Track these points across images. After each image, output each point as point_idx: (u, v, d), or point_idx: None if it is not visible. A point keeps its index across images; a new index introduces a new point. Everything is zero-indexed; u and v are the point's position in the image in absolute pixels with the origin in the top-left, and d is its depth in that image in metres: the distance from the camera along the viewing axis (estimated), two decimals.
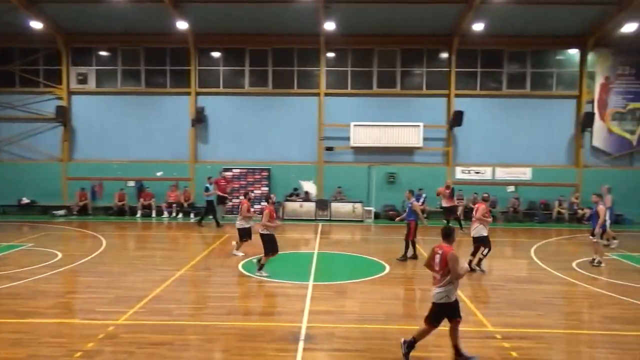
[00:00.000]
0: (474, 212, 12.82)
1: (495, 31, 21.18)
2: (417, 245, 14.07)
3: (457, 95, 22.48)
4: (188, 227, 20.13)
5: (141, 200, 22.31)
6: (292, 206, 21.82)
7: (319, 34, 21.66)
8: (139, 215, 22.06)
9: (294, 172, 22.75)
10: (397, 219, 15.21)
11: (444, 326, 7.35)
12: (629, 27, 19.82)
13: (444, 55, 22.66)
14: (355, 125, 22.25)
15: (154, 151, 22.94)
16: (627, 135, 22.47)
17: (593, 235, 13.60)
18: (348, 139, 22.37)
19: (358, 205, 21.77)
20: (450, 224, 19.38)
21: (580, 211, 21.09)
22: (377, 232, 19.85)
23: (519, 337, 8.30)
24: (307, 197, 22.05)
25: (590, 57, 22.33)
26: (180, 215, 22.06)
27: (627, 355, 7.68)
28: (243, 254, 13.96)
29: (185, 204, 22.25)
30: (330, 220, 21.41)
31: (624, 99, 22.40)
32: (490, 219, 12.75)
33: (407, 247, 13.79)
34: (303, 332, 8.29)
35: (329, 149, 22.52)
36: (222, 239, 16.98)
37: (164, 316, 8.98)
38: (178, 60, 23.02)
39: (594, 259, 13.65)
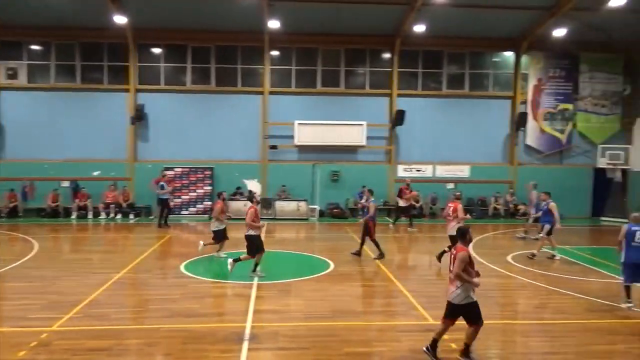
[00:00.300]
0: (448, 212, 13.13)
1: (436, 33, 21.76)
2: (364, 246, 14.18)
3: (399, 95, 22.94)
4: (127, 228, 19.50)
5: (76, 201, 21.40)
6: (236, 205, 21.53)
7: (263, 31, 21.51)
8: (74, 216, 21.14)
9: (238, 170, 22.50)
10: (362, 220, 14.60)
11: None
12: (558, 32, 20.89)
13: (387, 55, 23.06)
14: (299, 123, 22.27)
15: (90, 150, 22.04)
16: (558, 135, 23.67)
17: (548, 233, 14.26)
18: (292, 137, 22.36)
19: (302, 204, 21.82)
20: (395, 222, 19.87)
21: (521, 207, 21.82)
22: (322, 230, 19.96)
23: (458, 329, 8.55)
24: (251, 196, 21.83)
25: (524, 59, 23.35)
26: (118, 216, 21.32)
27: (556, 342, 8.10)
28: (225, 255, 13.53)
29: (124, 205, 21.54)
30: (274, 219, 21.33)
31: (554, 100, 23.57)
32: (468, 216, 13.37)
33: (377, 245, 13.86)
34: (247, 332, 8.23)
35: (273, 147, 22.44)
36: (164, 240, 16.57)
37: (101, 321, 8.66)
38: (116, 56, 22.22)
39: (553, 255, 14.25)
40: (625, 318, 9.38)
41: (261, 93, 22.59)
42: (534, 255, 14.15)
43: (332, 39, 22.48)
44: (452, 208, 13.08)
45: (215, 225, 13.65)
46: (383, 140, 23.20)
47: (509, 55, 23.42)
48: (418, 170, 23.11)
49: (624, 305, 9.83)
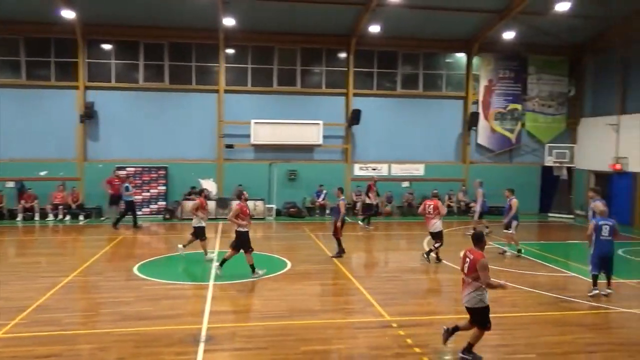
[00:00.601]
0: (427, 209, 13.50)
1: (391, 33, 22.06)
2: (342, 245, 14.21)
3: (355, 95, 23.13)
4: (77, 230, 18.85)
5: (22, 202, 20.51)
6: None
7: (218, 29, 21.24)
8: (20, 218, 20.24)
9: (193, 170, 22.13)
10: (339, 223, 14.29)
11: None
12: (508, 35, 21.57)
13: (343, 55, 23.20)
14: (255, 122, 22.11)
15: (36, 149, 21.13)
16: (507, 134, 24.45)
17: (507, 228, 14.78)
18: (248, 136, 22.18)
19: (259, 203, 21.69)
20: (364, 221, 19.91)
21: (472, 204, 22.34)
22: (279, 229, 19.89)
23: (414, 324, 8.73)
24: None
25: (475, 60, 23.98)
26: (67, 217, 20.57)
27: (507, 335, 8.37)
28: (213, 252, 13.67)
29: (74, 206, 20.80)
30: None
31: (504, 100, 24.33)
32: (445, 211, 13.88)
33: (339, 244, 14.00)
34: (204, 333, 8.11)
35: (229, 146, 22.19)
36: (116, 242, 16.10)
37: (50, 326, 8.34)
38: (64, 51, 21.39)
39: (504, 251, 14.70)
40: (571, 310, 9.79)
41: (216, 91, 22.30)
42: (520, 251, 14.56)
43: (289, 38, 22.44)
44: (432, 205, 13.52)
45: (196, 222, 13.46)
46: (339, 139, 23.34)
47: (461, 56, 24.00)
48: (374, 169, 23.36)
49: (590, 294, 10.54)
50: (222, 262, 11.74)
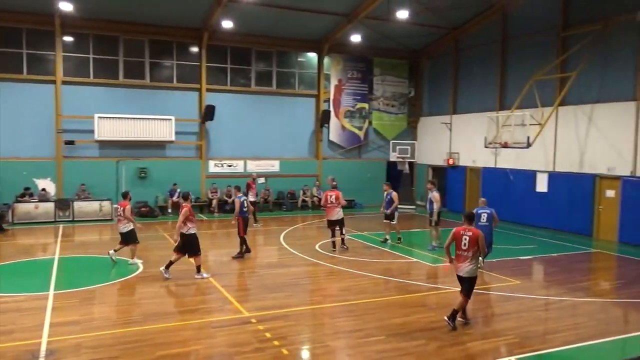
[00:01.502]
0: (330, 199, 14.41)
1: (244, 30, 21.97)
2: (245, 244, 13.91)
3: (208, 90, 22.63)
4: None
5: None
6: (25, 208, 19.10)
7: (52, 14, 19.29)
8: None
9: (26, 169, 19.87)
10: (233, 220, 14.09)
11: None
12: (355, 38, 22.79)
13: (195, 49, 22.54)
14: (100, 117, 20.53)
15: None
16: (357, 131, 25.85)
17: (389, 218, 15.59)
18: (92, 132, 20.53)
19: (106, 203, 20.21)
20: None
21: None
22: None
23: (272, 318, 8.84)
24: (44, 197, 19.55)
25: (326, 60, 24.93)
26: None
27: (359, 320, 8.87)
28: (142, 261, 12.53)
29: None
30: (73, 221, 19.40)
31: (353, 100, 25.66)
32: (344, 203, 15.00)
33: (241, 244, 13.70)
34: (44, 348, 7.35)
35: (70, 142, 20.30)
36: None
37: None
38: None
39: (435, 246, 14.92)
40: (414, 292, 10.68)
41: (53, 82, 20.25)
42: (434, 247, 14.92)
43: (135, 28, 21.17)
44: (334, 196, 14.50)
45: (127, 227, 12.70)
46: (193, 135, 22.68)
47: (313, 56, 24.78)
48: (229, 166, 23.16)
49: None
50: (168, 265, 11.36)
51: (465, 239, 8.33)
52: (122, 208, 12.74)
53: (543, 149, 19.41)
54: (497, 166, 21.71)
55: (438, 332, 8.27)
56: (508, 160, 21.03)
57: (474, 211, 11.87)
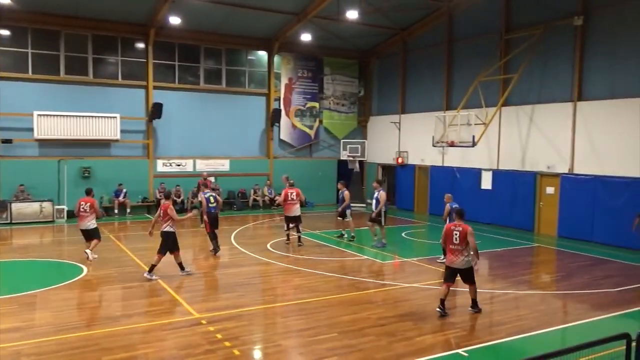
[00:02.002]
0: (291, 196, 15.00)
1: (193, 27, 21.57)
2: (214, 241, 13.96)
3: (155, 87, 22.06)
4: None
5: None
6: None
7: None
8: None
9: None
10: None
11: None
12: (305, 37, 22.79)
13: (141, 45, 21.94)
14: (39, 114, 19.65)
15: None
16: (307, 130, 25.89)
17: (342, 216, 16.22)
18: (31, 130, 19.63)
19: (47, 205, 19.37)
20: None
21: (277, 198, 23.02)
22: (72, 232, 17.95)
23: (223, 319, 8.74)
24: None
25: (277, 59, 24.83)
26: None
27: (311, 318, 8.89)
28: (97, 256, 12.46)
29: None
30: (11, 224, 18.49)
31: (304, 99, 25.69)
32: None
33: (212, 239, 13.95)
34: None
35: (6, 141, 19.31)
36: None
37: None
38: None
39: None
40: (365, 289, 10.81)
41: None
42: (381, 243, 15.08)
43: (77, 23, 20.38)
44: (294, 193, 15.13)
45: (94, 224, 12.78)
46: (140, 134, 22.08)
47: (263, 54, 24.62)
48: (178, 165, 22.70)
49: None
50: (151, 269, 11.30)
51: (456, 234, 8.98)
52: (87, 204, 12.65)
53: (487, 148, 20.09)
54: (445, 165, 22.30)
55: (388, 328, 8.41)
56: (455, 158, 21.64)
57: (450, 206, 12.97)
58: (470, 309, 9.26)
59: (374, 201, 15.26)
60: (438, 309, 9.05)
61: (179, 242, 11.67)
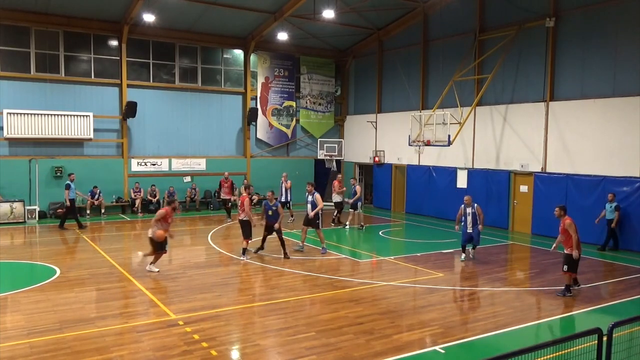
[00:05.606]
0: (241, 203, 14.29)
1: (167, 24, 21.31)
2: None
3: (129, 86, 21.74)
4: None
5: None
6: None
7: None
8: None
9: None
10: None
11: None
12: (281, 36, 22.69)
13: (114, 42, 21.57)
14: (9, 113, 19.18)
15: None
16: (284, 129, 25.82)
17: (354, 208, 18.33)
18: (1, 128, 19.14)
19: (17, 205, 18.92)
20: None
21: (254, 197, 22.92)
22: (44, 233, 17.61)
23: (200, 319, 8.65)
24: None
25: (253, 58, 24.69)
26: None
27: (289, 317, 8.88)
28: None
29: None
30: None
31: (280, 98, 25.62)
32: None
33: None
34: None
35: None
36: None
37: None
38: None
39: (362, 225, 18.27)
40: (343, 288, 10.83)
41: None
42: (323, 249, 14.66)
43: (48, 19, 19.93)
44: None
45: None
46: (114, 133, 21.73)
47: (239, 53, 24.46)
48: (153, 164, 22.40)
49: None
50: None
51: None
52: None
53: (462, 147, 20.33)
54: (421, 164, 22.48)
55: (366, 326, 8.44)
56: (431, 157, 21.85)
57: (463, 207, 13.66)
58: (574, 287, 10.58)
59: (308, 205, 14.55)
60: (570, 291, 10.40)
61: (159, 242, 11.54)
